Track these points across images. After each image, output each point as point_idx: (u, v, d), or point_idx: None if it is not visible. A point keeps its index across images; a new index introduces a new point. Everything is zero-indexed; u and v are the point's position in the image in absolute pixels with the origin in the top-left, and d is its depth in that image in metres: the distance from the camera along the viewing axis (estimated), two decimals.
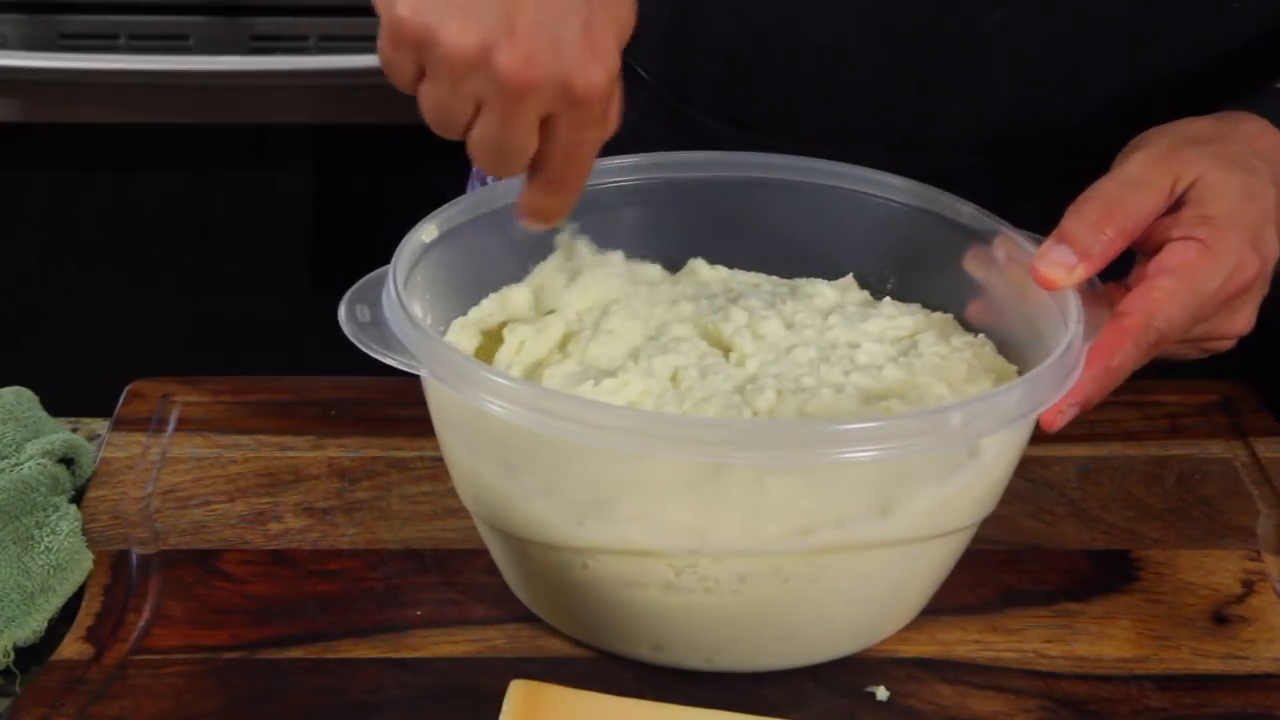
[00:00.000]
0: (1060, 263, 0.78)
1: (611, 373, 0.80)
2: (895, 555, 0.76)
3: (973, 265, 0.86)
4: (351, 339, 0.75)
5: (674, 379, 0.80)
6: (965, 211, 0.87)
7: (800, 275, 0.91)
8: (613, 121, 0.74)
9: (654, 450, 0.69)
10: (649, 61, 1.03)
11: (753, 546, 0.73)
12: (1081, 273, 0.78)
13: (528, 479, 0.74)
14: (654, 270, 0.89)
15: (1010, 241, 0.84)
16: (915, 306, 0.88)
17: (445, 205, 0.84)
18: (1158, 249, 0.80)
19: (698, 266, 0.91)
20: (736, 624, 0.76)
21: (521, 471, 0.74)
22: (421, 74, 0.72)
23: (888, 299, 0.89)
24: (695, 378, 0.80)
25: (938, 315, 0.87)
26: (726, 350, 0.83)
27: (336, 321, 0.76)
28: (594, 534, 0.74)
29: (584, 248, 0.87)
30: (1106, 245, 0.78)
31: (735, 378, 0.80)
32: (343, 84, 1.72)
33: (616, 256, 0.88)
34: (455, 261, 0.83)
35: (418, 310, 0.78)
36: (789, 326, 0.84)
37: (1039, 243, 0.81)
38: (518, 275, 0.87)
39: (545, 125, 0.72)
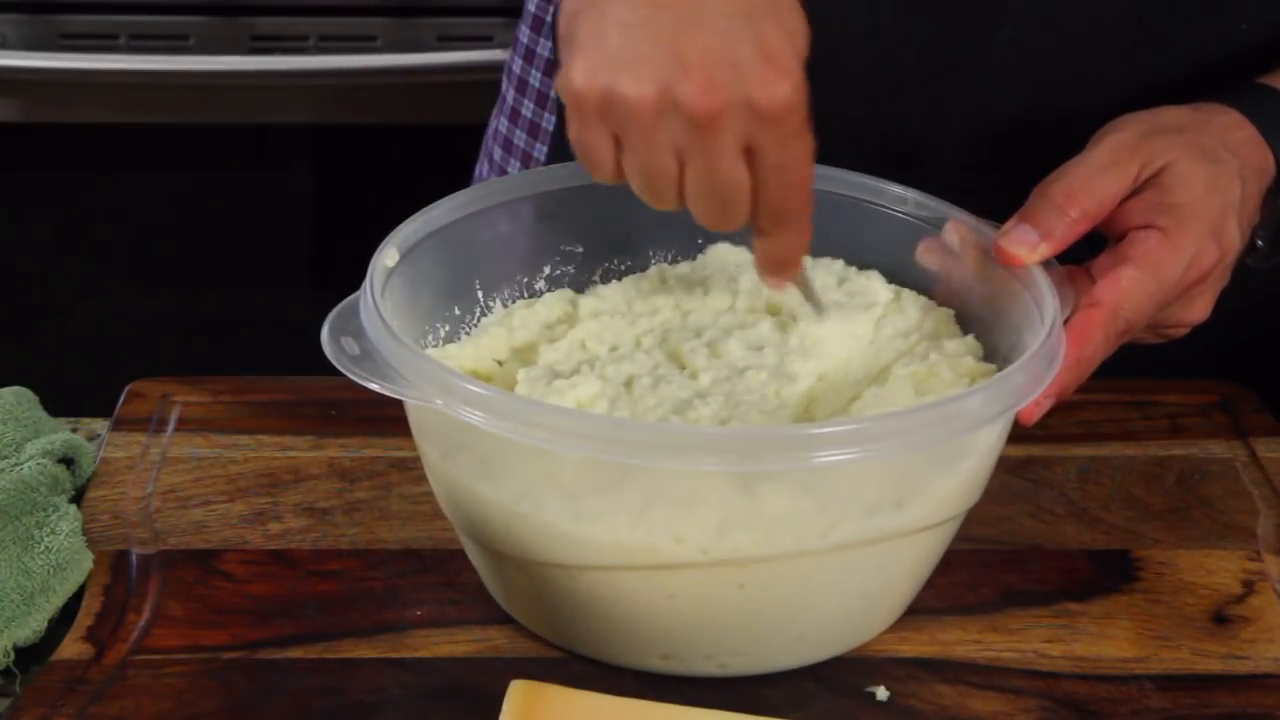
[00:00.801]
0: (1023, 241, 0.80)
1: (564, 375, 0.80)
2: (906, 544, 0.76)
3: (925, 257, 0.87)
4: (352, 375, 0.73)
5: (628, 385, 0.80)
6: (910, 199, 0.87)
7: None
8: (811, 136, 0.73)
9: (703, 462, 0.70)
10: None
11: (782, 547, 0.73)
12: (1044, 251, 0.80)
13: (556, 502, 0.74)
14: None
15: (962, 225, 0.85)
16: (910, 294, 0.88)
17: (402, 225, 0.83)
18: (1122, 233, 0.82)
19: (721, 250, 0.91)
20: (751, 625, 0.76)
21: (548, 495, 0.74)
22: (619, 146, 0.72)
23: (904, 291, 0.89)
24: (648, 385, 0.80)
25: (937, 312, 0.87)
26: (683, 366, 0.83)
27: None
28: (628, 550, 0.73)
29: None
30: (1069, 227, 0.81)
31: (687, 389, 0.80)
32: (343, 84, 1.72)
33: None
34: (417, 280, 0.83)
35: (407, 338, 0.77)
36: (756, 348, 0.84)
37: (993, 226, 0.82)
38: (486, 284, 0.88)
39: (750, 155, 0.72)
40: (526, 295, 0.89)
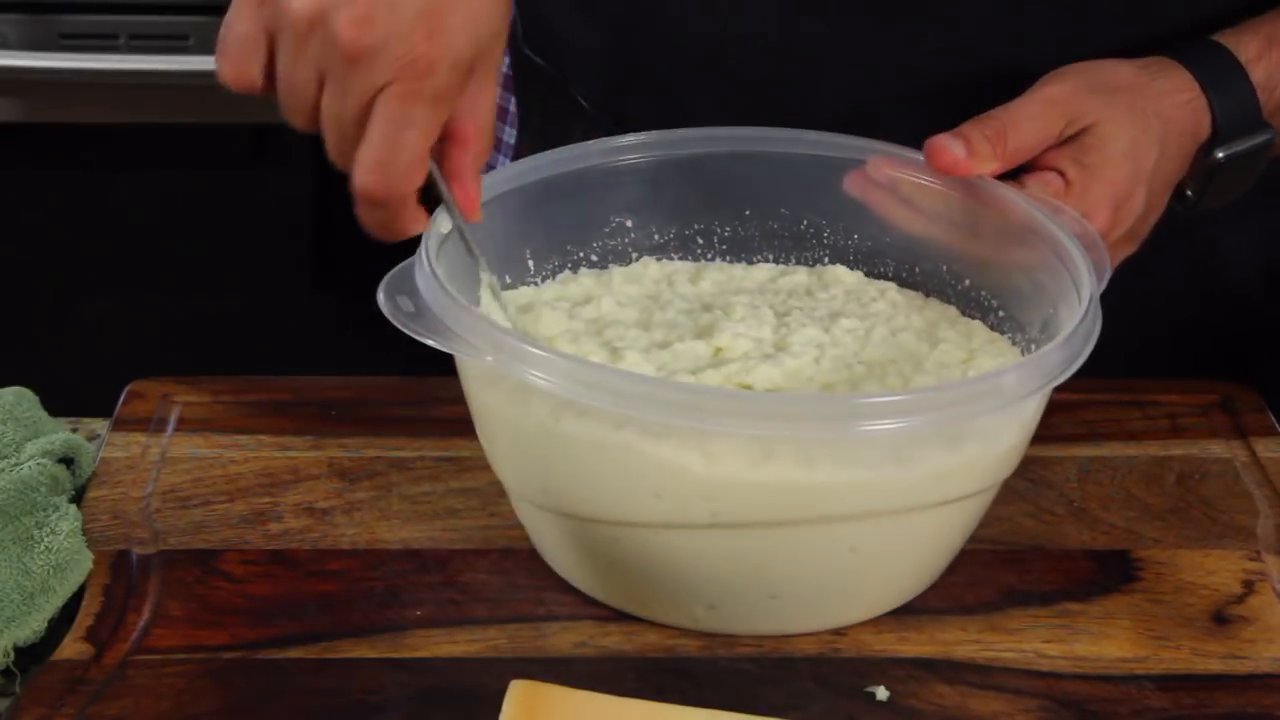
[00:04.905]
0: (950, 149, 0.83)
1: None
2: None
3: (852, 186, 0.88)
4: (408, 331, 0.75)
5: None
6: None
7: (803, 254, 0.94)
8: (478, 127, 0.75)
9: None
10: (589, 91, 1.03)
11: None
12: (967, 166, 0.83)
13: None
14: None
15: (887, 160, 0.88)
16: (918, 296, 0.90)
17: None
18: (1030, 170, 0.86)
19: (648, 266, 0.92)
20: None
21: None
22: (272, 52, 0.74)
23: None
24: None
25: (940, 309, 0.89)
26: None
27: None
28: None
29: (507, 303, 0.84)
30: (994, 158, 0.84)
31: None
32: None
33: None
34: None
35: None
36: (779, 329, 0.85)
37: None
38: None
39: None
40: (572, 269, 0.91)
